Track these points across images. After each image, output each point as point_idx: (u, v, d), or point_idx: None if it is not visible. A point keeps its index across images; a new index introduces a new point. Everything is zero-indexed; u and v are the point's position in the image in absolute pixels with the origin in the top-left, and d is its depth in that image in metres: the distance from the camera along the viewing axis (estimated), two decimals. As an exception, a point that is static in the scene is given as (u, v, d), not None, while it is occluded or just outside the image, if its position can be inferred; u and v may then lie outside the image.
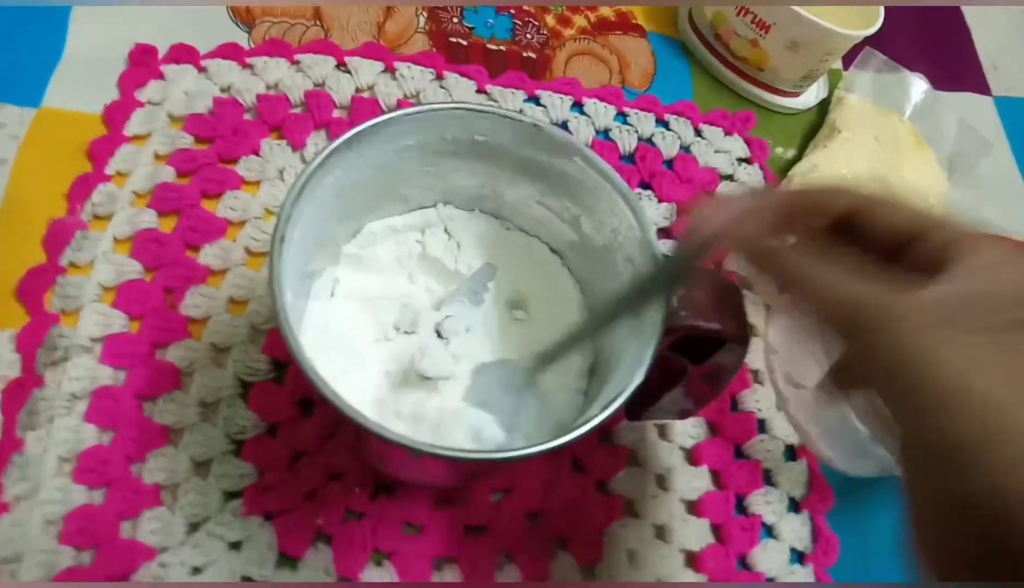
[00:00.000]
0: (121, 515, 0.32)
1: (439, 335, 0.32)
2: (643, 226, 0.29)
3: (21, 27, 0.42)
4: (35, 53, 0.41)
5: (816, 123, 0.55)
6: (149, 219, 0.38)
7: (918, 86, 0.57)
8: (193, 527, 0.32)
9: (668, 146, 0.49)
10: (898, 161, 0.50)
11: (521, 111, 0.44)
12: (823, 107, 0.56)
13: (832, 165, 0.49)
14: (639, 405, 0.33)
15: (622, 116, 0.50)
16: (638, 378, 0.26)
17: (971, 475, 0.18)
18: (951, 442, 0.19)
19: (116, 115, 0.40)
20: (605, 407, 0.26)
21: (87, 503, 0.32)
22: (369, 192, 0.32)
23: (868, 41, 0.51)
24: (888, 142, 0.51)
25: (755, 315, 0.45)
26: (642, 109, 0.50)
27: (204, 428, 0.34)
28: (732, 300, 0.28)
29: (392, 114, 0.29)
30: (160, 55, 0.43)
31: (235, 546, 0.32)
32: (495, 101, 0.47)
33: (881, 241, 0.22)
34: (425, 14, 0.51)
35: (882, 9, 0.50)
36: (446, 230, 0.35)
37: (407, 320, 0.32)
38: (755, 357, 0.44)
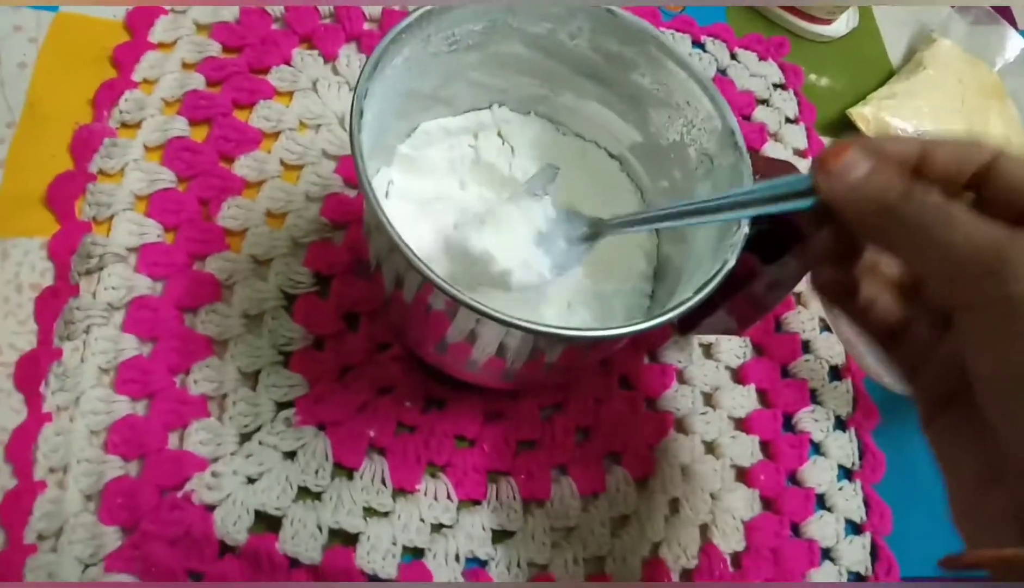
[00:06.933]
0: (168, 426, 0.31)
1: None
2: (723, 114, 0.28)
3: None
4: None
5: (849, 51, 0.54)
6: (180, 127, 0.36)
7: (1015, 43, 0.56)
8: (245, 437, 0.31)
9: (705, 68, 0.48)
10: (984, 109, 0.51)
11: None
12: (854, 36, 0.55)
13: (910, 97, 0.50)
14: (699, 315, 0.32)
15: (656, 38, 0.48)
16: (729, 265, 0.25)
17: None
18: None
19: (139, 21, 0.38)
20: (688, 298, 0.25)
21: (131, 414, 0.30)
22: (428, 83, 0.30)
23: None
24: (972, 88, 0.51)
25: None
26: (678, 29, 0.49)
27: (249, 339, 0.33)
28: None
29: (461, -4, 0.27)
30: (182, -39, 0.41)
31: (290, 455, 0.31)
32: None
33: (1013, 198, 0.21)
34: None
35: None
36: (499, 134, 0.34)
37: (467, 219, 0.31)
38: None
